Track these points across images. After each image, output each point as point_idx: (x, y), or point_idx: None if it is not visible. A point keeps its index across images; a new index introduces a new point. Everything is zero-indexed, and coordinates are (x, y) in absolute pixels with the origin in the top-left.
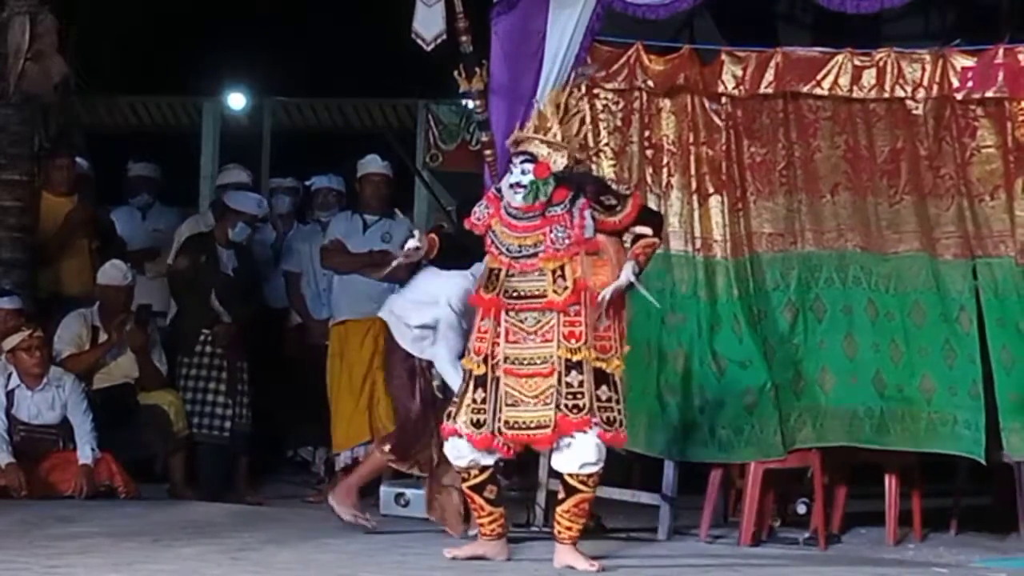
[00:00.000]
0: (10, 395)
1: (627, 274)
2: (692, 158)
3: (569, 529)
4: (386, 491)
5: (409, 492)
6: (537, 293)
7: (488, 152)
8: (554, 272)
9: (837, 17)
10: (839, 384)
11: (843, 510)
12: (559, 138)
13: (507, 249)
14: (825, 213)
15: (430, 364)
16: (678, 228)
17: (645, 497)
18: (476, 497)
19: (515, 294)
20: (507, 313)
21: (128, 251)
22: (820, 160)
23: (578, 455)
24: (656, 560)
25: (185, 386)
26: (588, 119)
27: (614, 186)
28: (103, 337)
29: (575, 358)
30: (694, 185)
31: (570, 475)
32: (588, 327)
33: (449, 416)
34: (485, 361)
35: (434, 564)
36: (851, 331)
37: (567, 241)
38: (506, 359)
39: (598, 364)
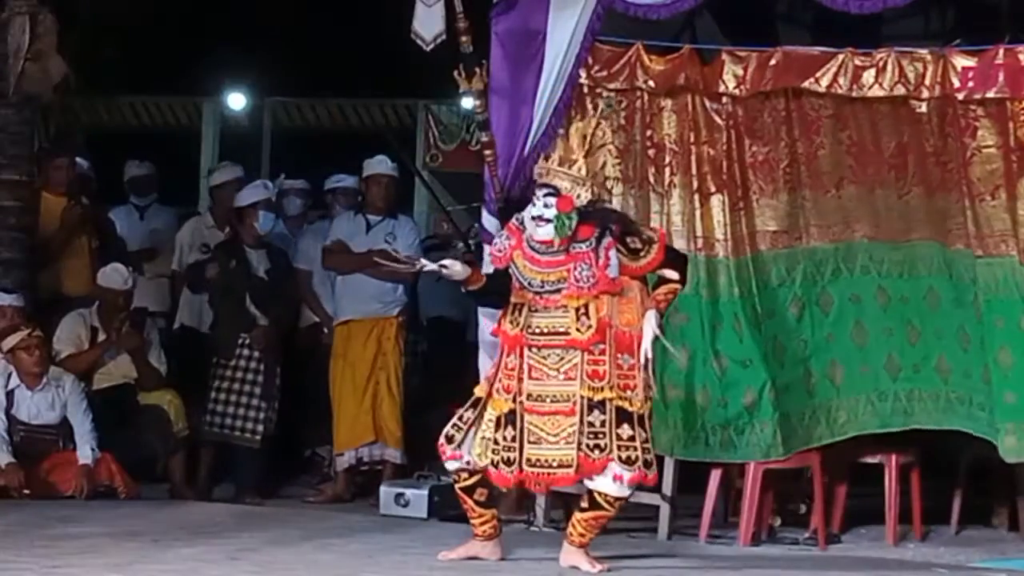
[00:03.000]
0: (10, 395)
1: (651, 327)
2: (693, 158)
3: (582, 536)
4: (386, 491)
5: (409, 492)
6: (560, 330)
7: (488, 152)
8: (577, 310)
9: (837, 17)
10: (848, 375)
11: (843, 510)
12: (584, 172)
13: (529, 283)
14: (830, 208)
15: None
16: (680, 227)
17: (645, 497)
18: (467, 499)
19: (538, 330)
20: (529, 349)
21: (126, 251)
22: (824, 156)
23: (615, 481)
24: (656, 560)
25: (220, 387)
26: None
27: (640, 228)
28: (102, 337)
29: (597, 397)
30: (695, 184)
31: (598, 492)
32: (612, 366)
33: (451, 440)
34: (514, 399)
35: (434, 564)
36: (860, 319)
37: (592, 280)
38: (528, 396)
39: (620, 403)
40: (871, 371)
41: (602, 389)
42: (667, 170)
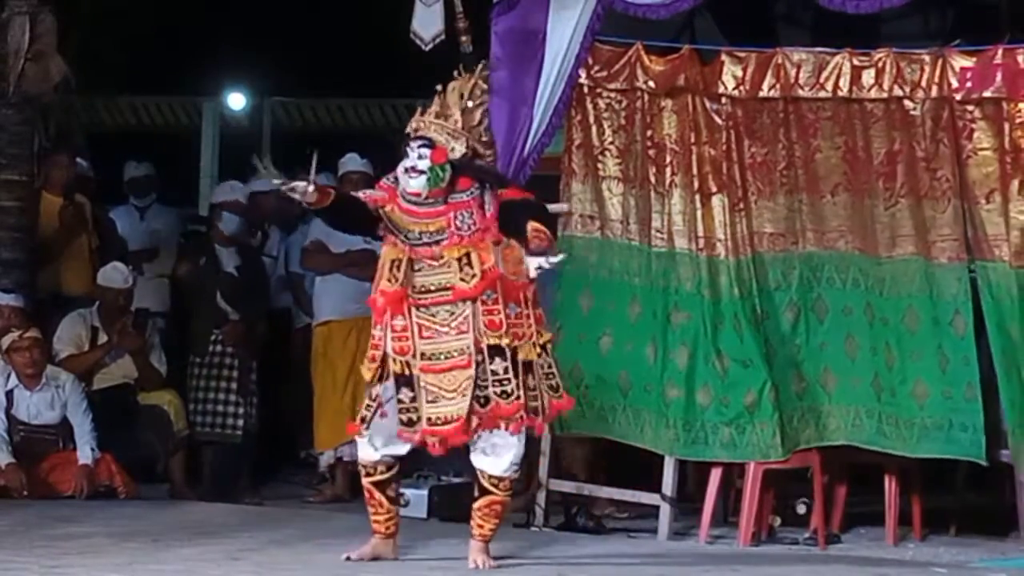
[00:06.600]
0: (9, 395)
1: (533, 264)
2: (694, 158)
3: (481, 527)
4: None
5: (409, 492)
6: (446, 286)
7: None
8: (460, 260)
9: (837, 17)
10: (841, 384)
11: (843, 510)
12: (459, 126)
13: (407, 235)
14: (826, 213)
15: None
16: (682, 227)
17: (645, 497)
18: (376, 493)
19: (423, 288)
20: (417, 309)
21: (127, 251)
22: (820, 160)
23: (496, 459)
24: (656, 560)
25: (196, 386)
26: (592, 118)
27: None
28: (103, 337)
29: (499, 344)
30: (696, 184)
31: (481, 472)
32: (506, 315)
33: (363, 419)
34: (408, 361)
35: (434, 564)
36: (851, 332)
37: (474, 228)
38: (423, 356)
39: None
40: (862, 386)
41: (502, 338)
42: (668, 170)
